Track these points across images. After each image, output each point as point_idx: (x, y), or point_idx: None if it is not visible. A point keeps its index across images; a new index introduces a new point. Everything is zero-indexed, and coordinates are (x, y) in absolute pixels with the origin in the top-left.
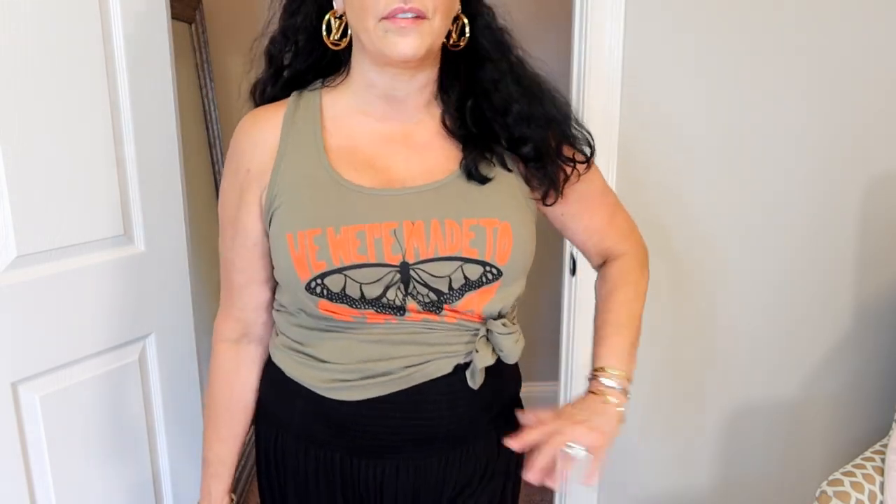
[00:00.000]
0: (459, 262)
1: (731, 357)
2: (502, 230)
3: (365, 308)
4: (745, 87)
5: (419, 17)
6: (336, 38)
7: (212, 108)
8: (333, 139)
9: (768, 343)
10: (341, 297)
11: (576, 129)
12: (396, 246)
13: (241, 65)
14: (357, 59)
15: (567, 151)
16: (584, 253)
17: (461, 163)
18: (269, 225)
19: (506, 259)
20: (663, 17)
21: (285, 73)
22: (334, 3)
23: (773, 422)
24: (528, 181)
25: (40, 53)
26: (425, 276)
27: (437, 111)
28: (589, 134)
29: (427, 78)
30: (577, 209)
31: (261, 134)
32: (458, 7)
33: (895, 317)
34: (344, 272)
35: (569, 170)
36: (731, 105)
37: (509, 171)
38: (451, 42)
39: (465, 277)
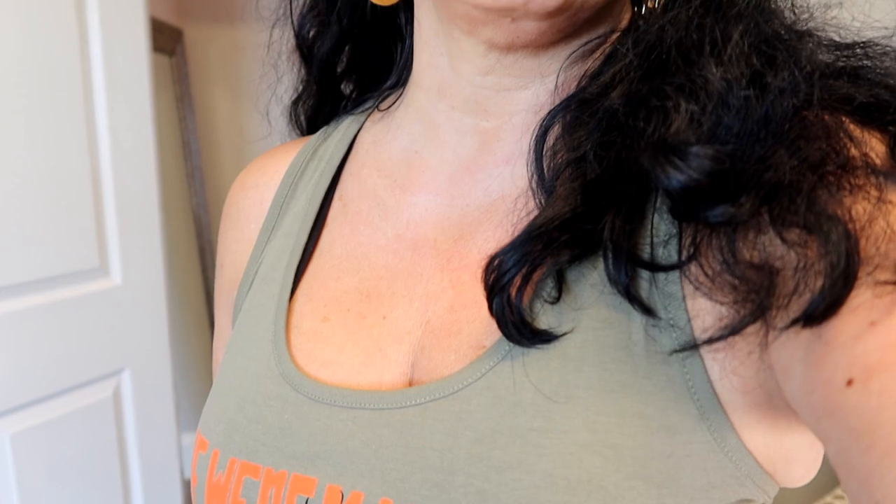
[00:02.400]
0: None
1: None
2: None
3: None
4: None
5: None
6: None
7: (191, 140)
8: (339, 223)
9: None
10: None
11: None
12: None
13: (223, 97)
14: (419, 28)
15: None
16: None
17: (492, 302)
18: None
19: None
20: None
21: (330, 77)
22: None
23: None
24: (698, 284)
25: (17, 81)
26: None
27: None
28: None
29: (550, 88)
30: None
31: (246, 202)
32: None
33: None
34: None
35: None
36: None
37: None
38: (649, 6)
39: None
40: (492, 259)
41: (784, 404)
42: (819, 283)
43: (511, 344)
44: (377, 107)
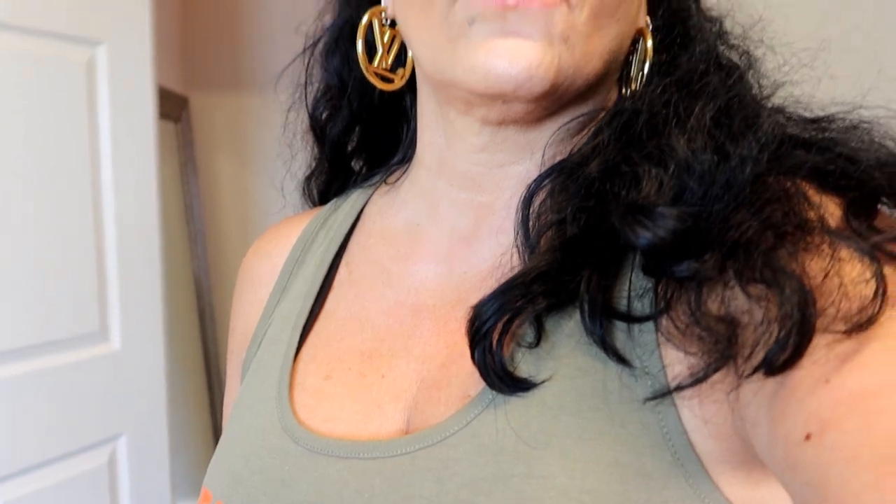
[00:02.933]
0: None
1: None
2: None
3: None
4: None
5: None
6: (385, 64)
7: (194, 204)
8: (345, 288)
9: None
10: None
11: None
12: None
13: (226, 162)
14: (422, 111)
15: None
16: None
17: (474, 351)
18: None
19: None
20: None
21: (342, 155)
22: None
23: None
24: (669, 336)
25: (25, 143)
26: None
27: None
28: None
29: (538, 163)
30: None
31: (260, 268)
32: (642, 17)
33: None
34: None
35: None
36: None
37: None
38: (632, 89)
39: None
40: (474, 308)
41: (756, 455)
42: (779, 330)
43: (494, 392)
44: (384, 180)
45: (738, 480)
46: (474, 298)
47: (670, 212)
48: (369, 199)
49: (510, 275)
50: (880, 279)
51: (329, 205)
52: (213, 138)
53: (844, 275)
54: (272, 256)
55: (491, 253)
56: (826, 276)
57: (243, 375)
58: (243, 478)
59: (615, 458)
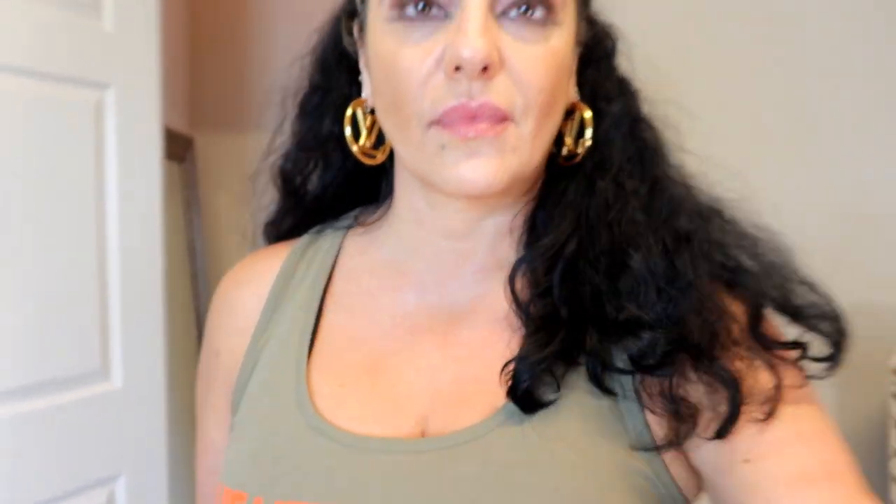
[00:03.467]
0: None
1: None
2: None
3: None
4: None
5: (498, 119)
6: (369, 144)
7: (197, 244)
8: (334, 314)
9: None
10: None
11: (804, 296)
12: None
13: (229, 202)
14: (400, 179)
15: (773, 331)
16: None
17: (509, 387)
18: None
19: None
20: None
21: (307, 202)
22: (363, 90)
23: None
24: (651, 408)
25: (32, 182)
26: None
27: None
28: (831, 305)
29: (510, 218)
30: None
31: (240, 295)
32: (572, 92)
33: (873, 452)
34: None
35: (770, 379)
36: None
37: (616, 394)
38: (566, 153)
39: None
40: (514, 371)
41: (696, 471)
42: (723, 411)
43: (517, 407)
44: (357, 223)
45: (678, 470)
46: (467, 322)
47: (653, 335)
48: (344, 237)
49: (509, 328)
50: (778, 385)
51: (303, 239)
52: (217, 178)
53: (759, 379)
54: (252, 284)
55: (477, 288)
56: (748, 378)
57: (237, 396)
58: (279, 475)
59: (611, 447)
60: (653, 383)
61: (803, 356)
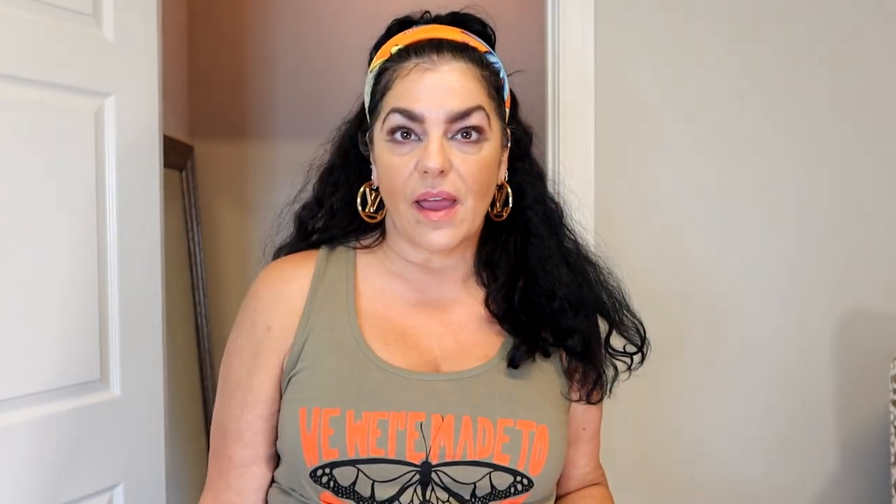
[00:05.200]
0: (488, 469)
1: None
2: (539, 435)
3: None
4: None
5: (449, 200)
6: (372, 210)
7: (197, 252)
8: (366, 302)
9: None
10: (348, 493)
11: (627, 316)
12: (421, 442)
13: (229, 209)
14: (392, 230)
15: (616, 342)
16: (564, 477)
17: (508, 351)
18: (285, 390)
19: (539, 468)
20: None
21: (314, 238)
22: (372, 174)
23: None
24: (569, 375)
25: (33, 191)
26: (447, 481)
27: (477, 290)
28: (640, 323)
29: (466, 252)
30: (595, 425)
31: (287, 288)
32: (502, 175)
33: (876, 459)
34: (357, 465)
35: (621, 365)
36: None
37: (548, 362)
38: (495, 212)
39: (493, 486)
40: (510, 354)
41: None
42: (589, 385)
43: (503, 355)
44: (360, 244)
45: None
46: (455, 308)
47: (578, 339)
48: (356, 255)
49: (487, 323)
50: (608, 380)
51: (323, 250)
52: (216, 186)
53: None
54: (298, 281)
55: (451, 291)
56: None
57: (291, 362)
58: (364, 397)
59: (551, 384)
60: (572, 362)
61: (631, 359)
